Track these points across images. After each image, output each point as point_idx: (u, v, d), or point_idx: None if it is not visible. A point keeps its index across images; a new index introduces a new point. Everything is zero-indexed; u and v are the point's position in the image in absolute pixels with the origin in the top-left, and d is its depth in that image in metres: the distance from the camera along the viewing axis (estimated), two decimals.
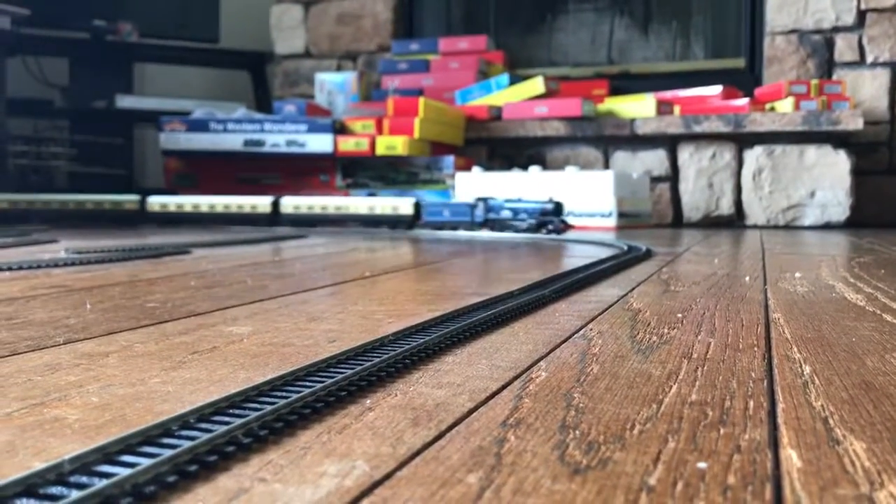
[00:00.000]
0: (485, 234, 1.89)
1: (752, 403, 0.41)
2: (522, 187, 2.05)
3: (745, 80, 2.66)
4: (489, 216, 1.91)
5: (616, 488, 0.30)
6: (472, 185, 2.10)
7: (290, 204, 2.08)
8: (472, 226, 1.93)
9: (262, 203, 2.08)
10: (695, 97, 2.53)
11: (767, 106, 2.44)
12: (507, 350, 0.55)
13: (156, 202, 2.15)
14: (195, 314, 0.69)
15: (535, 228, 1.86)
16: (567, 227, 1.87)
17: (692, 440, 0.35)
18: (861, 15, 2.52)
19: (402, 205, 1.99)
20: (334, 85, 2.85)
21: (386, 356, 0.48)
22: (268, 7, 3.17)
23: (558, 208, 1.88)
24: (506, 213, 1.89)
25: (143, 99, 2.89)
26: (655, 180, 2.47)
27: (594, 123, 2.47)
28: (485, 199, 1.93)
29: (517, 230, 1.88)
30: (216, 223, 2.11)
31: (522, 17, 3.00)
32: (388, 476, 0.31)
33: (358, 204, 2.04)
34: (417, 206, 2.00)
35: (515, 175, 2.10)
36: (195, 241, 1.54)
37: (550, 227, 1.84)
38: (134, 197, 2.17)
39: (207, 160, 2.48)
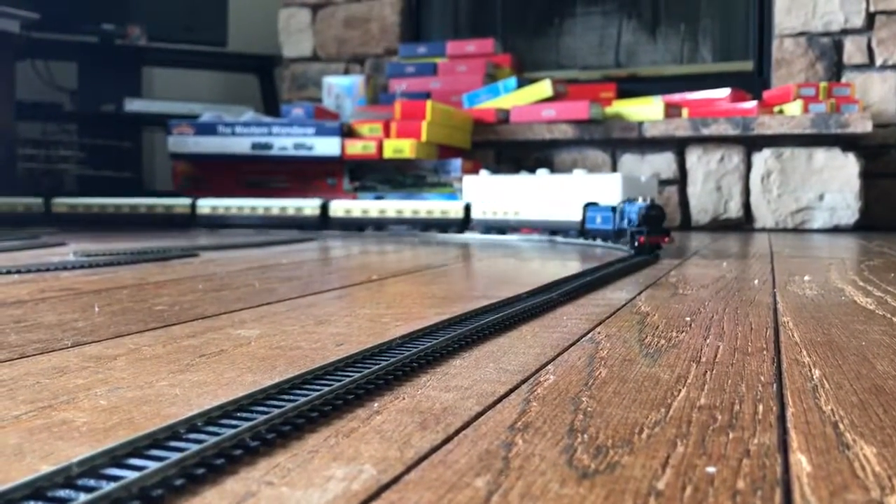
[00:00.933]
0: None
1: (761, 407, 0.41)
2: (528, 191, 2.04)
3: (754, 83, 2.65)
4: (621, 225, 1.48)
5: (624, 493, 0.30)
6: (479, 188, 2.10)
7: (479, 209, 1.92)
8: (611, 234, 1.55)
9: (455, 208, 1.96)
10: (703, 100, 2.52)
11: (776, 109, 2.43)
12: (514, 353, 0.54)
13: (339, 207, 2.08)
14: (203, 317, 0.69)
15: (629, 239, 1.39)
16: (658, 239, 1.34)
17: (701, 444, 0.35)
18: (870, 17, 2.51)
19: (571, 211, 1.70)
20: (342, 88, 2.85)
21: (393, 359, 0.48)
22: (275, 11, 3.17)
23: (650, 215, 1.35)
24: (626, 221, 1.44)
25: (151, 102, 2.90)
26: (663, 183, 2.47)
27: (602, 126, 2.47)
28: (629, 202, 1.46)
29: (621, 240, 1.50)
30: (397, 225, 2.02)
31: (530, 20, 3.00)
32: (395, 480, 0.31)
33: (533, 210, 1.81)
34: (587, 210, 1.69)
35: (523, 178, 2.10)
36: (203, 245, 1.54)
37: (636, 243, 1.34)
38: (315, 202, 2.10)
39: (215, 163, 2.49)
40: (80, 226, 2.14)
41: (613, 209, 1.54)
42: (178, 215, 2.15)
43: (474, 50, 2.80)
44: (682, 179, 2.48)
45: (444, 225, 1.96)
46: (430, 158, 2.35)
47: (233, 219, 2.13)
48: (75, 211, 2.16)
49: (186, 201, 2.16)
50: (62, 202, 2.17)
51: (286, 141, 2.38)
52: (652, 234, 1.34)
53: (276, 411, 0.37)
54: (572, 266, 1.23)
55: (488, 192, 2.07)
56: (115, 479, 0.29)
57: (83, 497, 0.27)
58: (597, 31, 2.93)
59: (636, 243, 1.35)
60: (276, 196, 2.28)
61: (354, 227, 2.06)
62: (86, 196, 2.21)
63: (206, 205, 2.15)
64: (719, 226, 2.44)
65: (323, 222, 2.08)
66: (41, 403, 0.41)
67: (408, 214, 1.99)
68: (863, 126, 2.26)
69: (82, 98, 2.92)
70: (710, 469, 0.32)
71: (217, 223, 2.14)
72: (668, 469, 0.32)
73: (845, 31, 2.54)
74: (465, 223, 1.94)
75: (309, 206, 2.09)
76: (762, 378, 0.48)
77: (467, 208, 1.95)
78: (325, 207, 2.08)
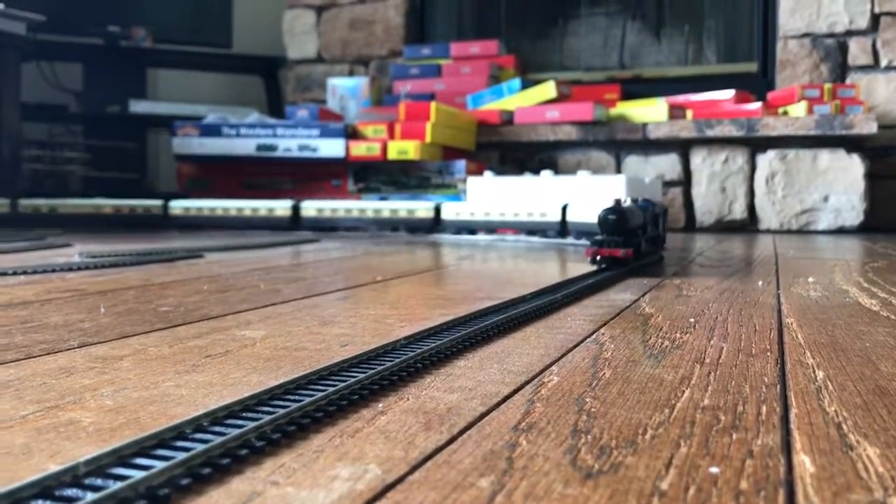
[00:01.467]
0: None
1: (764, 408, 0.41)
2: (533, 192, 2.04)
3: (758, 85, 2.65)
4: None
5: (628, 493, 0.30)
6: (484, 189, 2.10)
7: (575, 214, 1.83)
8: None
9: (553, 211, 1.88)
10: (707, 101, 2.52)
11: (780, 110, 2.43)
12: (518, 354, 0.55)
13: (451, 210, 2.04)
14: (208, 318, 0.69)
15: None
16: (612, 251, 1.05)
17: (704, 445, 0.35)
18: (875, 18, 2.51)
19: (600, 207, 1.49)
20: (346, 90, 2.85)
21: (398, 360, 0.48)
22: (280, 13, 3.18)
23: (607, 219, 1.05)
24: None
25: (156, 104, 2.91)
26: (668, 185, 2.46)
27: (606, 128, 2.47)
28: (646, 201, 1.22)
29: None
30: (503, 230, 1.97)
31: (534, 22, 3.00)
32: (400, 480, 0.31)
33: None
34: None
35: (527, 179, 2.10)
36: (208, 246, 1.54)
37: (605, 254, 1.05)
38: (430, 204, 2.08)
39: (220, 165, 2.49)
40: (192, 229, 2.16)
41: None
42: (279, 218, 2.16)
43: (478, 51, 2.80)
44: (686, 181, 2.48)
45: (544, 229, 1.91)
46: (435, 160, 2.36)
47: (341, 221, 2.12)
48: (188, 213, 2.20)
49: (287, 203, 2.16)
50: (178, 205, 2.20)
51: (291, 142, 2.39)
52: (606, 245, 1.04)
53: (282, 411, 0.37)
54: (576, 268, 1.23)
55: (488, 193, 2.07)
56: (122, 478, 0.29)
57: (90, 496, 0.27)
58: (601, 32, 2.93)
59: (590, 255, 1.07)
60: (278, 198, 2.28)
61: (466, 230, 2.03)
62: (197, 199, 2.25)
63: (310, 206, 2.15)
64: (724, 227, 2.44)
65: (436, 225, 2.07)
66: (48, 403, 0.42)
67: (510, 218, 1.96)
68: (868, 127, 2.26)
69: (87, 99, 2.93)
70: (714, 470, 0.32)
71: (324, 226, 2.14)
72: (671, 469, 0.32)
73: (850, 33, 2.53)
74: (563, 226, 1.87)
75: (423, 208, 2.08)
76: (766, 379, 0.48)
77: (564, 210, 1.87)
78: (438, 210, 2.07)
